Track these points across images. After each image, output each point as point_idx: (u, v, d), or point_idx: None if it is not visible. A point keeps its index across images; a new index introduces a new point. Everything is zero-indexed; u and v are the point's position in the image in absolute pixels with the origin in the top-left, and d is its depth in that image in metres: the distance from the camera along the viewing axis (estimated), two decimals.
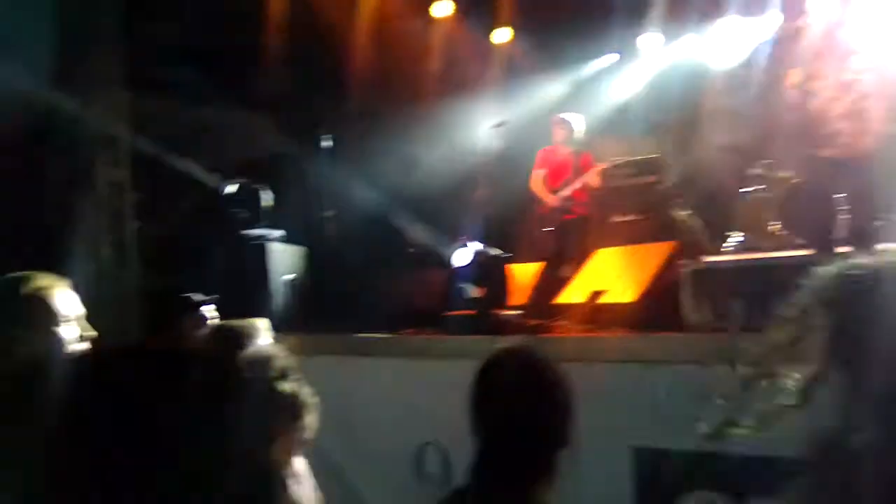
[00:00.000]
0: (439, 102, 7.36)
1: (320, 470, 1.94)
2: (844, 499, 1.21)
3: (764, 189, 5.83)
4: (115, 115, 6.56)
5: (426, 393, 4.03)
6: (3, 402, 1.85)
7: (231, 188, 6.60)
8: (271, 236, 6.22)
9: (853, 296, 1.31)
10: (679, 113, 7.08)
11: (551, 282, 5.84)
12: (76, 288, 2.06)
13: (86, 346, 2.00)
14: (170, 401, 1.65)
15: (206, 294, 4.01)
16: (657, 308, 4.82)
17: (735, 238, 5.83)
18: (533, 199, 6.22)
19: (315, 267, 6.38)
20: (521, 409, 1.68)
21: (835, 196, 3.94)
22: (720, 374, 2.68)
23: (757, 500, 3.09)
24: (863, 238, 3.62)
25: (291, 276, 6.11)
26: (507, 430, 1.68)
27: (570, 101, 7.44)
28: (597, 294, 5.33)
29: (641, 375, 3.52)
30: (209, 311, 3.85)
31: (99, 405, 1.65)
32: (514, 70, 7.66)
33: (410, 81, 7.54)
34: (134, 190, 6.74)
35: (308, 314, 5.72)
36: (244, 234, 6.21)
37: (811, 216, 4.20)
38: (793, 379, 1.37)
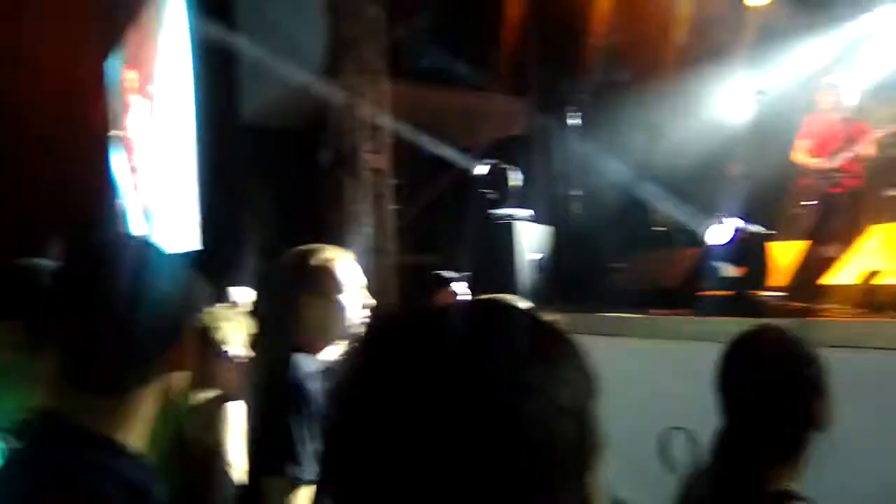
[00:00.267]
0: (690, 71, 7.03)
1: None
2: None
3: None
4: (377, 104, 7.09)
5: (675, 376, 3.91)
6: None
7: (481, 169, 6.83)
8: (519, 216, 6.36)
9: None
10: None
11: (817, 261, 5.42)
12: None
13: (366, 313, 2.14)
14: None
15: (458, 272, 4.24)
16: None
17: None
18: (796, 172, 5.79)
19: (561, 246, 6.43)
20: (769, 386, 1.63)
21: None
22: None
23: None
24: None
25: (539, 255, 6.21)
26: (754, 409, 1.63)
27: (839, 62, 6.73)
28: (872, 275, 4.93)
29: None
30: (460, 288, 4.06)
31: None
32: (772, 31, 7.07)
33: (658, 51, 7.29)
34: (394, 176, 7.26)
35: (554, 293, 5.79)
36: (493, 214, 6.40)
37: None
38: None
